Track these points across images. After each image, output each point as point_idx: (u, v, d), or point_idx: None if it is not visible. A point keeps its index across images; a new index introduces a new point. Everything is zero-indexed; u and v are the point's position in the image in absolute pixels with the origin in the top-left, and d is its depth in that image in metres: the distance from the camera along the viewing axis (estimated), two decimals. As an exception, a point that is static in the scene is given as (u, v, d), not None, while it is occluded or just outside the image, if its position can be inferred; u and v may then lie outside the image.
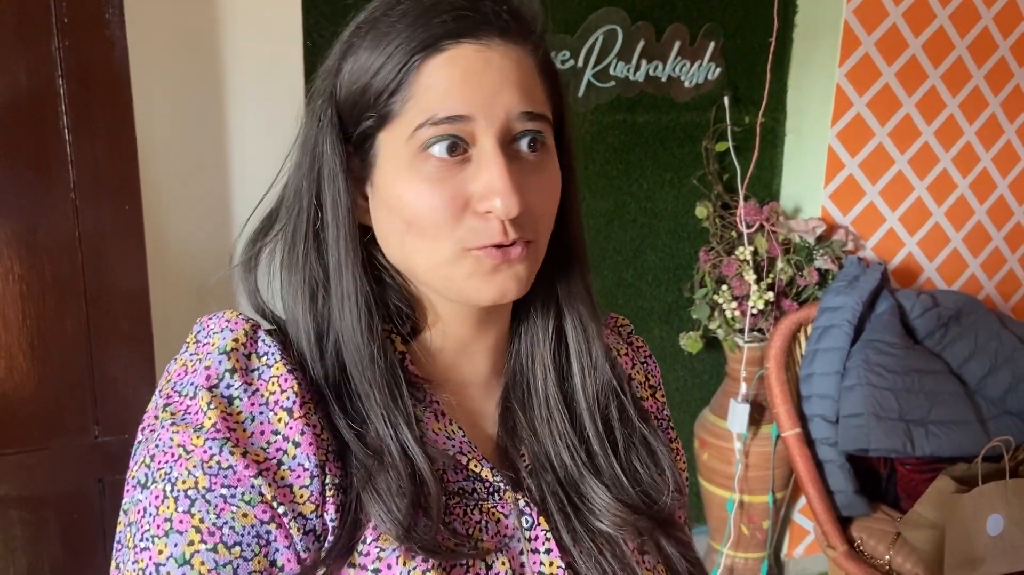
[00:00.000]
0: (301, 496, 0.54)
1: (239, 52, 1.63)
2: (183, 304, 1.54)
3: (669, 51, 2.19)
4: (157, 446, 0.55)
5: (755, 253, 2.20)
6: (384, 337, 0.61)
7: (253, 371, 0.57)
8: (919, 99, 2.35)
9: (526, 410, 0.67)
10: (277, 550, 0.53)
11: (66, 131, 1.30)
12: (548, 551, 0.61)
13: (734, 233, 2.26)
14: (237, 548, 0.52)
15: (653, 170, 2.26)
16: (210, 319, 0.61)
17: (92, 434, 1.40)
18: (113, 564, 0.56)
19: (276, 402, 0.56)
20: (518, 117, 0.58)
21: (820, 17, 2.26)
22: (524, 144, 0.59)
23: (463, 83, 0.56)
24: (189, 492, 0.53)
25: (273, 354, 0.58)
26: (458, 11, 0.57)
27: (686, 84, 2.24)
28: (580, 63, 2.10)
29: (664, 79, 2.21)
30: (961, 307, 2.16)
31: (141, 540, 0.53)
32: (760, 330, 2.23)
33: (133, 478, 0.56)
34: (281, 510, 0.54)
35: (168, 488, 0.53)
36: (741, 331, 2.22)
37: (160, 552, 0.52)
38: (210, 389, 0.56)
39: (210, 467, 0.53)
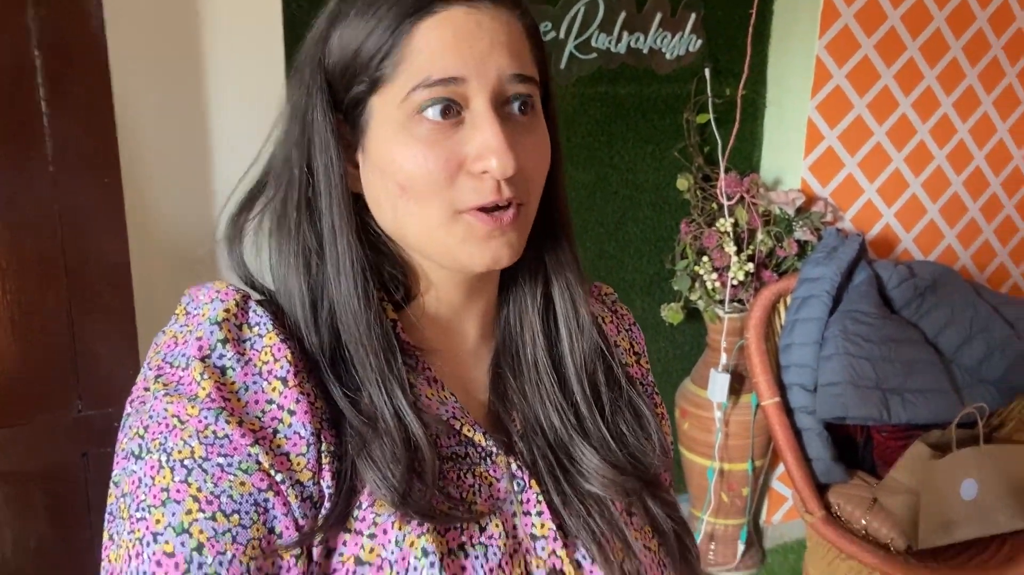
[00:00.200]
0: (298, 464, 0.55)
1: (218, 23, 1.61)
2: (165, 278, 1.54)
3: (650, 23, 2.19)
4: (151, 417, 0.55)
5: (735, 225, 2.22)
6: (378, 304, 0.61)
7: (245, 341, 0.57)
8: (897, 71, 2.36)
9: (516, 375, 0.68)
10: (275, 518, 0.54)
11: (43, 104, 1.28)
12: (540, 513, 0.63)
13: (715, 205, 2.27)
14: (235, 516, 0.52)
15: (634, 142, 2.27)
16: (199, 290, 0.60)
17: (75, 408, 1.39)
18: (106, 535, 0.56)
19: (270, 371, 0.56)
20: (509, 79, 0.58)
21: (800, -12, 2.27)
22: (515, 107, 0.60)
23: (455, 45, 0.56)
24: (185, 462, 0.53)
25: (265, 324, 0.58)
26: None
27: (667, 56, 2.24)
28: (561, 35, 2.10)
29: (645, 51, 2.21)
30: (937, 277, 2.19)
31: (137, 510, 0.53)
32: (740, 301, 2.26)
33: (124, 450, 0.56)
34: (279, 478, 0.54)
35: (163, 458, 0.53)
36: (721, 302, 2.25)
37: (157, 522, 0.52)
38: (202, 360, 0.55)
39: (206, 437, 0.53)
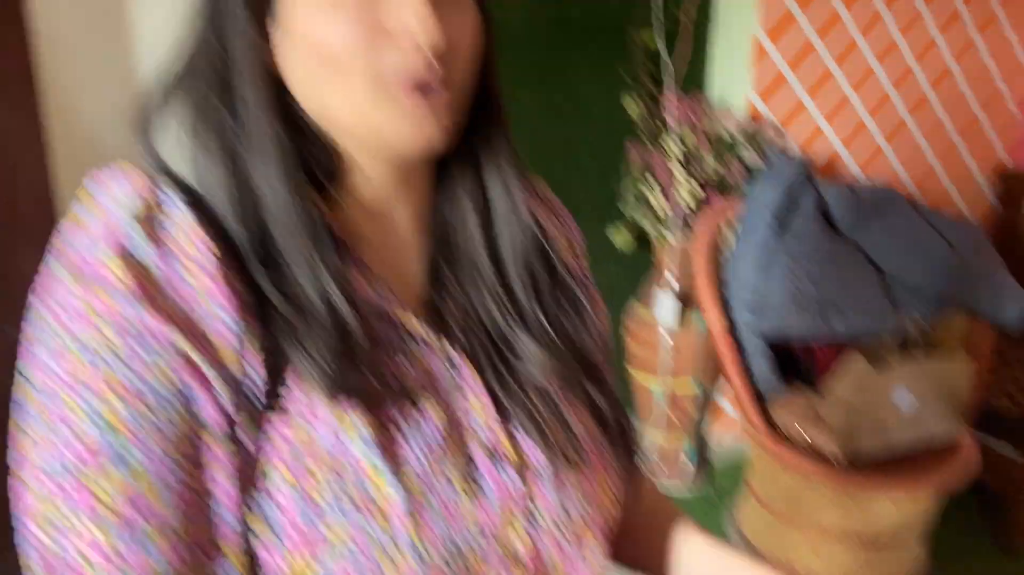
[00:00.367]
0: (222, 352, 0.52)
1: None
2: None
3: (598, -60, 2.16)
4: (61, 306, 0.52)
5: (683, 147, 2.22)
6: (304, 190, 0.58)
7: (162, 229, 0.54)
8: (846, -6, 2.37)
9: (453, 267, 0.66)
10: (200, 406, 0.52)
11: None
12: (478, 396, 0.62)
13: (662, 126, 2.27)
14: (157, 405, 0.50)
15: (582, 64, 2.25)
16: (104, 173, 0.56)
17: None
18: (18, 429, 0.53)
19: (190, 259, 0.53)
20: None
21: (750, -93, 2.24)
22: None
23: None
24: (101, 352, 0.50)
25: (185, 214, 0.55)
26: None
27: (616, -25, 2.21)
28: (507, -50, 2.06)
29: (593, -31, 2.18)
30: (879, 198, 2.23)
31: (51, 401, 0.51)
32: (689, 225, 2.27)
33: (34, 340, 0.53)
34: (203, 367, 0.52)
35: (77, 347, 0.51)
36: (670, 226, 2.26)
37: (72, 411, 0.50)
38: (115, 245, 0.52)
39: (121, 324, 0.50)
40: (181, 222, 0.54)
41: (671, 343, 2.32)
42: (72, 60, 1.52)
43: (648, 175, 2.25)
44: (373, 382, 0.57)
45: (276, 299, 0.55)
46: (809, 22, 2.34)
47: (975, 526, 2.40)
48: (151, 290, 0.52)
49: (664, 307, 2.29)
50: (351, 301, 0.57)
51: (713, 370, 2.42)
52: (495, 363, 0.64)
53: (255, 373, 0.54)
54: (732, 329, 2.14)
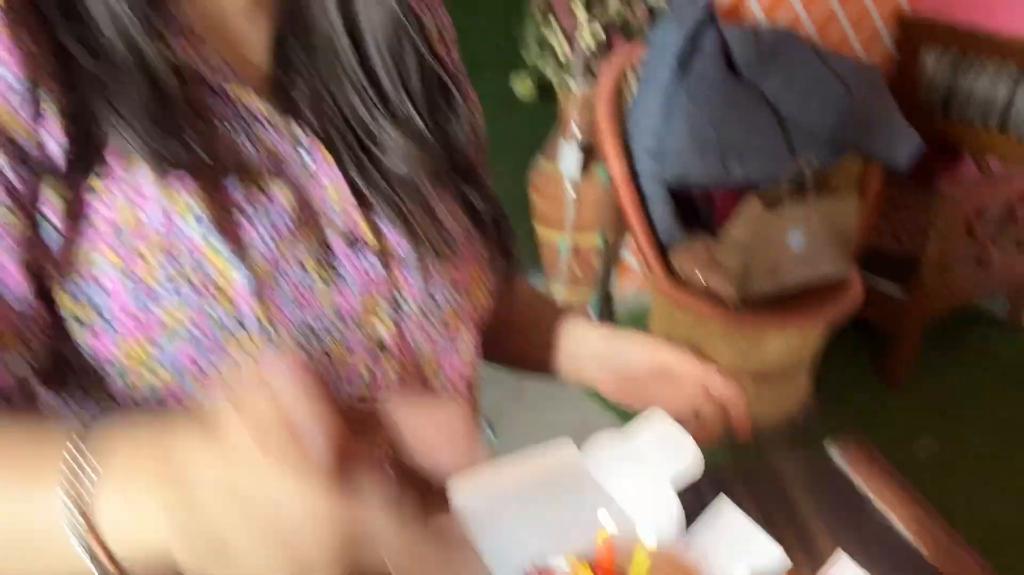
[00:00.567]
0: (9, 119, 0.47)
1: None
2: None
3: None
4: None
5: (585, -13, 2.14)
6: None
7: None
8: None
9: (305, 45, 0.60)
10: None
11: None
12: (332, 180, 0.57)
13: (563, -34, 2.17)
14: None
15: None
16: None
17: None
18: None
19: None
20: None
21: None
22: None
23: None
24: None
25: None
26: None
27: None
28: None
29: None
30: (779, 41, 2.21)
31: None
32: (593, 72, 2.22)
33: None
34: None
35: None
36: (573, 72, 2.20)
37: None
38: None
39: None
40: None
41: (575, 196, 2.31)
42: None
43: (551, 18, 2.16)
44: (202, 155, 0.52)
45: (82, 57, 0.49)
46: None
47: (860, 361, 2.55)
48: None
49: (568, 159, 2.26)
50: (172, 64, 0.51)
51: (617, 223, 2.43)
52: (355, 152, 0.59)
53: (51, 139, 0.48)
54: (634, 178, 2.14)
